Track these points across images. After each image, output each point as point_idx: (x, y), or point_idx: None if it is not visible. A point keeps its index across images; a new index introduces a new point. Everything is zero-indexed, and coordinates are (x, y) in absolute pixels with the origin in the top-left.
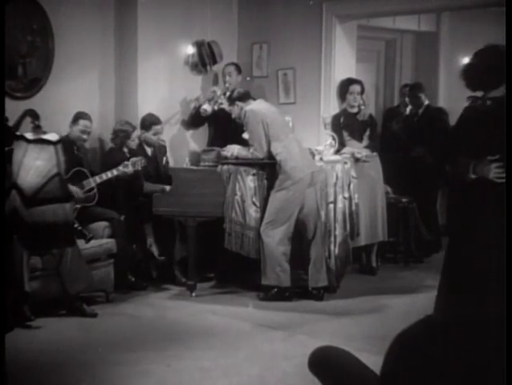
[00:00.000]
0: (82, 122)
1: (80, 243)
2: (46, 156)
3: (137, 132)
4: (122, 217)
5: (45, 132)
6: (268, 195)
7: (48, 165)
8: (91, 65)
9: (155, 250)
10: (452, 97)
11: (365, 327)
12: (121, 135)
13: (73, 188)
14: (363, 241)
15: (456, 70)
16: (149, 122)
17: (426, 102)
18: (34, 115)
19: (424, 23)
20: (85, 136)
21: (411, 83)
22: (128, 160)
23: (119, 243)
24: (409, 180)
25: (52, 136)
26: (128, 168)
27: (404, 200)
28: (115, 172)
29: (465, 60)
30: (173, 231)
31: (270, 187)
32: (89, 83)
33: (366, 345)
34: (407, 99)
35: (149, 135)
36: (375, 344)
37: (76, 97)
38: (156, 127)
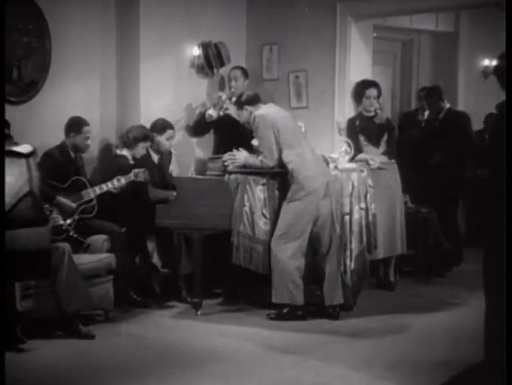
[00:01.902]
0: (85, 129)
1: (77, 258)
2: (17, 172)
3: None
4: (123, 230)
5: (16, 143)
6: (279, 206)
7: (19, 182)
8: (91, 68)
9: (158, 262)
10: (471, 101)
11: (384, 351)
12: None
13: (64, 201)
14: (381, 254)
15: (476, 72)
16: (162, 126)
17: (447, 106)
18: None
19: (443, 23)
20: (88, 143)
21: (429, 86)
22: (131, 169)
23: (120, 257)
24: (428, 189)
25: (24, 148)
26: (129, 179)
27: (423, 210)
28: (116, 183)
29: (486, 62)
30: (178, 243)
31: (282, 198)
32: (89, 86)
33: (385, 372)
34: (424, 103)
35: (162, 139)
36: (395, 371)
37: (75, 101)
38: (170, 132)
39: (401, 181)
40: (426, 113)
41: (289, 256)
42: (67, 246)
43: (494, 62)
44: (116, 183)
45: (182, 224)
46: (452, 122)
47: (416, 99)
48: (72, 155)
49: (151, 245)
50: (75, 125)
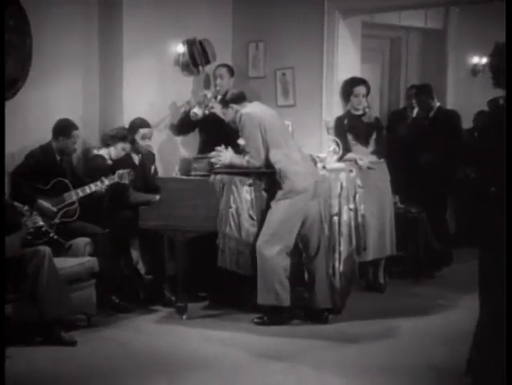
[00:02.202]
0: (74, 133)
1: (58, 261)
2: None
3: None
4: (105, 231)
5: None
6: (267, 207)
7: None
8: (73, 66)
9: (141, 268)
10: (460, 99)
11: (375, 356)
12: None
13: (44, 204)
14: (370, 255)
15: (465, 69)
16: (137, 125)
17: (437, 104)
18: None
19: (432, 20)
20: (76, 147)
21: (419, 84)
22: (110, 170)
23: (103, 261)
24: (418, 189)
25: None
26: (113, 181)
27: (412, 210)
28: (99, 184)
29: (475, 59)
30: (162, 246)
31: (269, 198)
32: (71, 85)
33: (377, 378)
34: (414, 102)
35: (137, 138)
36: (388, 377)
37: (57, 101)
38: (144, 131)
39: (390, 181)
40: (415, 111)
41: (276, 256)
42: (47, 249)
43: (484, 60)
44: (100, 184)
45: (166, 225)
46: (442, 120)
47: (404, 98)
48: (58, 157)
49: (135, 252)
50: (65, 129)
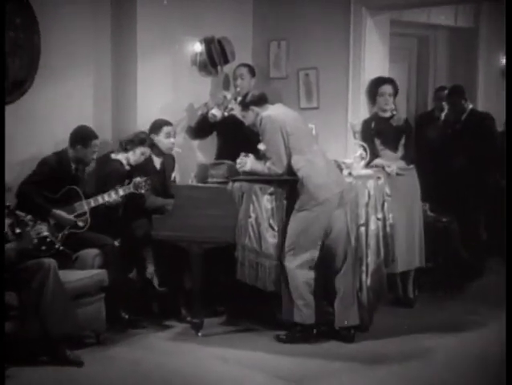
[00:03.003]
0: (93, 142)
1: (64, 275)
2: None
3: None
4: (116, 242)
5: None
6: (288, 217)
7: None
8: (83, 66)
9: (155, 280)
10: (491, 101)
11: (406, 379)
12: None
13: (60, 213)
14: (398, 267)
15: (496, 70)
16: (159, 123)
17: (470, 106)
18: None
19: (462, 17)
20: (95, 156)
21: (451, 85)
22: (128, 176)
23: (113, 273)
24: (449, 196)
25: None
26: (128, 191)
27: (443, 219)
28: (113, 195)
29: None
30: (178, 257)
31: (290, 208)
32: (82, 86)
33: None
34: (444, 104)
35: (161, 138)
36: None
37: (67, 102)
38: (168, 129)
39: (420, 188)
40: (444, 114)
41: (296, 268)
42: (52, 262)
43: None
44: (114, 195)
45: (181, 236)
46: (476, 124)
47: (432, 99)
48: (73, 166)
49: (149, 263)
50: (84, 138)
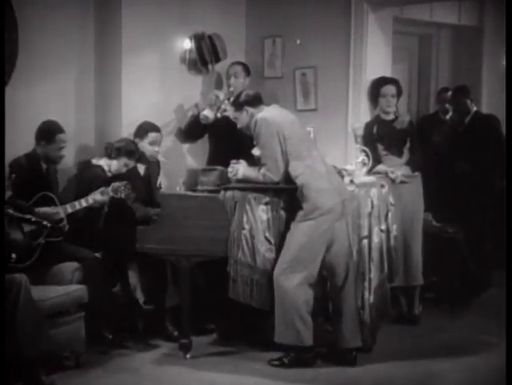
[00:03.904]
0: (58, 137)
1: (39, 291)
2: None
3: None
4: (98, 255)
5: None
6: (286, 229)
7: None
8: (65, 62)
9: (140, 297)
10: (496, 102)
11: None
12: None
13: (44, 210)
14: (399, 281)
15: (501, 70)
16: (145, 128)
17: (474, 108)
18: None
19: (466, 15)
20: (62, 154)
21: (455, 86)
22: (107, 181)
23: (94, 289)
24: (454, 205)
25: None
26: (106, 195)
27: (449, 229)
28: (90, 200)
29: None
30: (164, 272)
31: (288, 219)
32: (63, 84)
33: None
34: (447, 105)
35: (145, 144)
36: None
37: (47, 103)
38: (153, 135)
39: (424, 196)
40: (448, 116)
41: (296, 286)
42: (24, 277)
43: None
44: (91, 200)
45: (167, 249)
46: (480, 126)
47: (435, 101)
48: (44, 166)
49: (133, 278)
50: (47, 132)
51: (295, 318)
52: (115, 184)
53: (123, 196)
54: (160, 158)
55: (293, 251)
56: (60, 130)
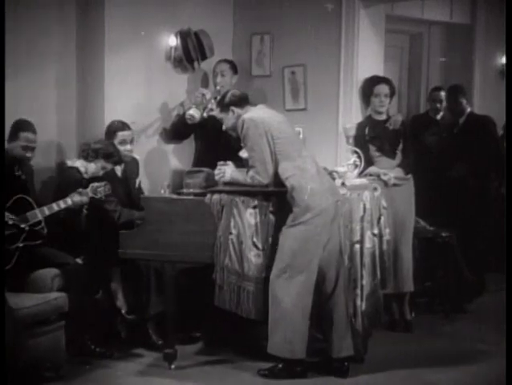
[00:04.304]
0: (23, 135)
1: (17, 299)
2: None
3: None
4: (79, 260)
5: None
6: (275, 234)
7: None
8: (45, 60)
9: (122, 306)
10: (488, 103)
11: None
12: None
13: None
14: (390, 287)
15: (493, 70)
16: (113, 128)
17: (468, 109)
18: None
19: (457, 13)
20: (28, 154)
21: (450, 85)
22: (86, 186)
23: (75, 297)
24: (448, 208)
25: None
26: (85, 196)
27: (443, 234)
28: (69, 201)
29: (505, 59)
30: (147, 279)
31: (278, 223)
32: (44, 85)
33: None
34: (438, 105)
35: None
36: None
37: (26, 101)
38: (123, 134)
39: (417, 199)
40: (439, 116)
41: (293, 296)
42: None
43: None
44: (69, 201)
45: (151, 255)
46: (475, 128)
47: (426, 100)
48: (15, 167)
49: (115, 285)
50: (11, 129)
51: (289, 331)
52: (95, 185)
53: (103, 196)
54: (135, 156)
55: (286, 258)
56: (26, 128)
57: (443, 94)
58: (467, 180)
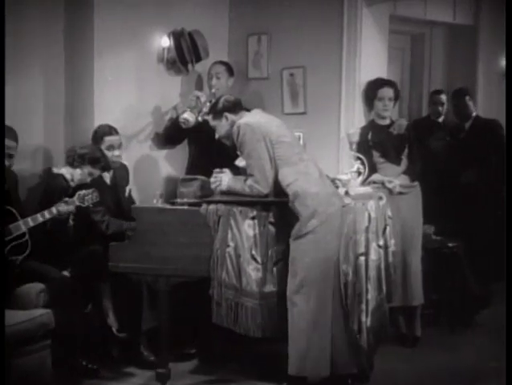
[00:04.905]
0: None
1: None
2: None
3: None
4: (66, 273)
5: None
6: (277, 246)
7: None
8: (33, 66)
9: (113, 324)
10: (492, 105)
11: None
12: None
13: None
14: (398, 300)
15: (497, 72)
16: (100, 133)
17: (474, 112)
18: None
19: (461, 14)
20: (7, 162)
21: (455, 88)
22: (72, 194)
23: (61, 314)
24: (455, 216)
25: None
26: (71, 205)
27: (450, 244)
28: (54, 211)
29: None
30: (139, 293)
31: (279, 235)
32: (31, 89)
33: None
34: (440, 108)
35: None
36: None
37: (13, 105)
38: (110, 139)
39: (423, 208)
40: (440, 119)
41: (312, 311)
42: None
43: None
44: (55, 211)
45: (143, 268)
46: (482, 132)
47: (428, 104)
48: None
49: (106, 306)
50: None
51: (314, 348)
52: (82, 192)
53: (90, 204)
54: (124, 162)
55: (300, 271)
56: (6, 134)
57: (444, 97)
58: (476, 187)
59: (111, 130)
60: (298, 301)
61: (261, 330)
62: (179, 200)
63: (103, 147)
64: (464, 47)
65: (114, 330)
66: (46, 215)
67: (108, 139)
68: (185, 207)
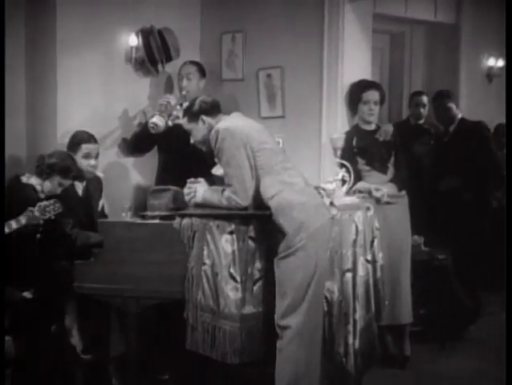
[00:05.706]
0: None
1: None
2: None
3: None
4: (28, 294)
5: None
6: (259, 263)
7: None
8: None
9: (77, 344)
10: (475, 107)
11: None
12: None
13: None
14: (386, 318)
15: (479, 73)
16: (77, 140)
17: (459, 115)
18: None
19: (442, 12)
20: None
21: (437, 91)
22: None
23: (21, 341)
24: (441, 226)
25: None
26: (32, 215)
27: (439, 256)
28: (14, 225)
29: (491, 61)
30: (108, 316)
31: (260, 251)
32: None
33: None
34: (422, 110)
35: (77, 158)
36: None
37: None
38: (87, 147)
39: (411, 217)
40: (420, 121)
41: (305, 333)
42: None
43: (501, 63)
44: (14, 225)
45: (110, 290)
46: (468, 135)
47: (407, 106)
48: None
49: (69, 326)
50: None
51: (300, 375)
52: (42, 204)
53: (52, 216)
54: (98, 174)
55: (291, 292)
56: None
57: (425, 98)
58: (461, 194)
59: (89, 137)
60: (288, 324)
61: (238, 355)
62: (149, 214)
63: (79, 154)
64: (445, 46)
65: (78, 350)
66: (6, 229)
67: (86, 147)
68: (157, 221)
